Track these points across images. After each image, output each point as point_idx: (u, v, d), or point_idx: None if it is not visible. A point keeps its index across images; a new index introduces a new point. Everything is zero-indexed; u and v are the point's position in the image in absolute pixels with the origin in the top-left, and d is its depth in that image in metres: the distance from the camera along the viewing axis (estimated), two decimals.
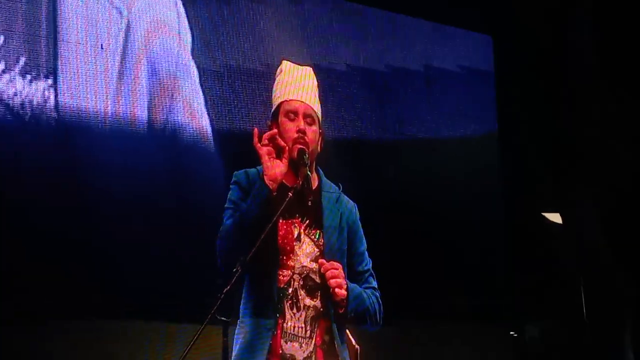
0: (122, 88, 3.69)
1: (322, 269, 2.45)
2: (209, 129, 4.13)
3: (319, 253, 2.52)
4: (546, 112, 7.74)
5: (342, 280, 2.44)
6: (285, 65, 2.64)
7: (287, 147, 2.48)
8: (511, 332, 7.65)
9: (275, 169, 2.42)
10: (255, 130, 2.47)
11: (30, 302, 4.21)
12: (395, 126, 7.61)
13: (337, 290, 2.41)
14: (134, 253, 4.21)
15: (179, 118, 3.94)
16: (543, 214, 7.34)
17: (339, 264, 2.48)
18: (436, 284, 7.14)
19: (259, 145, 2.45)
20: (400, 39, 7.76)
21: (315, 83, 2.65)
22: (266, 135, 2.47)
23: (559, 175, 7.56)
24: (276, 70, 2.65)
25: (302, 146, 2.50)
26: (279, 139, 2.48)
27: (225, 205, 2.56)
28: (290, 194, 2.40)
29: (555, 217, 7.26)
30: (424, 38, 7.91)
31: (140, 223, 4.14)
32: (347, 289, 2.46)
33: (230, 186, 2.58)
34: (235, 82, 4.31)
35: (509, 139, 8.12)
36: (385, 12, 6.22)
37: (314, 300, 2.49)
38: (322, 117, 2.65)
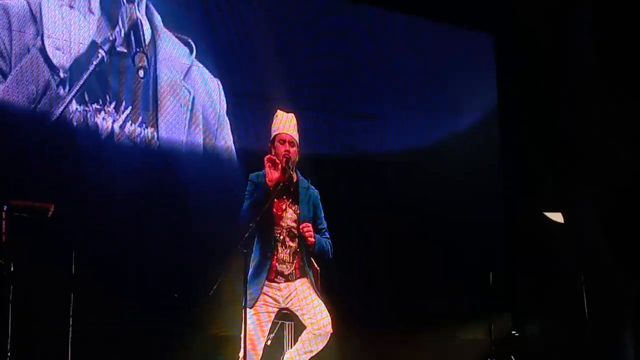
0: (191, 127, 6.48)
1: (300, 226, 4.25)
2: (234, 150, 6.70)
3: (296, 218, 4.33)
4: (546, 112, 7.75)
5: (312, 232, 4.25)
6: (279, 112, 4.47)
7: (279, 162, 4.23)
8: (512, 332, 7.64)
9: (272, 175, 4.19)
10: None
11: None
12: (395, 127, 7.63)
13: (309, 238, 4.23)
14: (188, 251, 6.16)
15: (221, 144, 6.64)
16: (543, 213, 7.33)
17: (309, 223, 4.26)
18: (436, 284, 7.15)
19: (266, 160, 4.26)
20: (401, 38, 7.79)
21: (295, 122, 4.42)
22: (268, 157, 4.25)
23: (559, 175, 7.56)
24: (273, 115, 4.46)
25: (287, 158, 4.28)
26: (275, 158, 4.25)
27: (245, 194, 4.30)
28: (281, 185, 4.19)
29: (555, 217, 7.25)
30: (425, 37, 7.94)
31: (205, 222, 6.30)
32: (314, 237, 4.26)
33: (248, 182, 4.35)
34: (251, 122, 6.83)
35: (509, 139, 8.12)
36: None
37: (294, 243, 4.32)
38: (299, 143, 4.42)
